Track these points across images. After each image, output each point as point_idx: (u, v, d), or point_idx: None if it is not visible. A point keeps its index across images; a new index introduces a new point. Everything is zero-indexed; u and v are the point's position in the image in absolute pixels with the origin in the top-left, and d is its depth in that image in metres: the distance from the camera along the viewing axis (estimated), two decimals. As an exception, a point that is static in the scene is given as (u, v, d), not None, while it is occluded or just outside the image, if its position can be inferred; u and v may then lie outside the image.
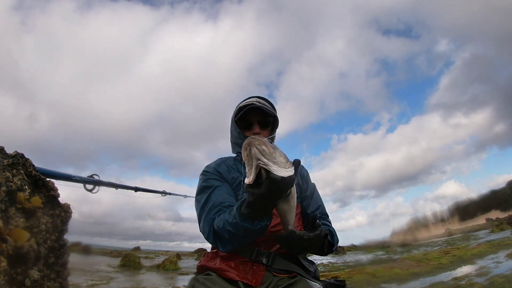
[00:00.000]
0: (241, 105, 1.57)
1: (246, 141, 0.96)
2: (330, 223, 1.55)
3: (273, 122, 1.61)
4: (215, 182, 1.43)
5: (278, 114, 1.62)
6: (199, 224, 1.38)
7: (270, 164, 0.94)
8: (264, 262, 1.26)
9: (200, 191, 1.44)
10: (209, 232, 1.29)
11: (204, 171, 1.54)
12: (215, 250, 1.39)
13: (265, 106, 1.54)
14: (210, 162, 1.62)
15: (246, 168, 0.98)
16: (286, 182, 0.96)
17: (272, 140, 1.53)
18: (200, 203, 1.40)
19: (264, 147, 0.94)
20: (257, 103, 1.54)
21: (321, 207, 1.59)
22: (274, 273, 1.24)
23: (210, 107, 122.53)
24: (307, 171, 1.74)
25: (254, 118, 1.55)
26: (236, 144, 1.59)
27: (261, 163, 0.94)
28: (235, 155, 1.65)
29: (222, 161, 1.57)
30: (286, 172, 0.95)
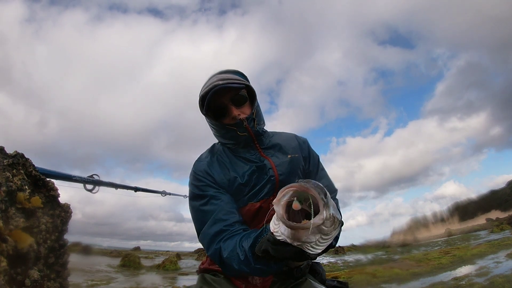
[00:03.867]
0: (202, 92, 1.29)
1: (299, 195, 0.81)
2: (337, 205, 1.35)
3: (249, 94, 1.34)
4: (209, 190, 1.25)
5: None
6: (198, 235, 1.25)
7: (312, 241, 0.81)
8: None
9: (194, 197, 1.28)
10: (213, 255, 1.14)
11: (194, 174, 1.33)
12: None
13: (230, 81, 1.26)
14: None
15: (276, 217, 0.84)
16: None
17: (256, 113, 1.33)
18: (196, 212, 1.26)
19: (323, 226, 0.79)
20: (220, 82, 1.24)
21: (328, 186, 1.38)
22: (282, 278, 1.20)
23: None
24: (305, 139, 1.52)
25: (224, 100, 1.27)
26: (221, 137, 1.37)
27: (306, 244, 0.81)
28: (223, 143, 1.40)
29: (213, 157, 1.36)
30: (325, 244, 0.83)
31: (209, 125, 1.38)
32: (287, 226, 0.78)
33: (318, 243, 0.82)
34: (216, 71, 1.35)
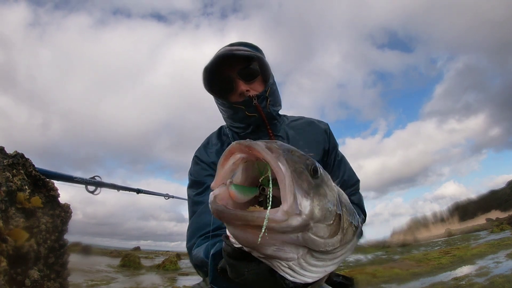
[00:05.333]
0: (206, 65, 1.07)
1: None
2: (359, 202, 1.20)
3: (261, 68, 1.12)
4: (208, 180, 1.13)
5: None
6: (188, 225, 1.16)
7: (290, 257, 0.43)
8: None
9: (192, 184, 1.18)
10: (188, 250, 1.04)
11: (196, 158, 1.21)
12: None
13: (240, 51, 1.05)
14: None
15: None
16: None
17: (271, 92, 1.09)
18: (189, 200, 1.18)
19: (310, 231, 0.42)
20: (225, 51, 1.04)
21: (346, 180, 1.23)
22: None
23: (215, 114, 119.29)
24: (327, 126, 1.28)
25: (231, 73, 1.07)
26: (228, 118, 1.18)
27: (279, 262, 0.45)
28: (232, 127, 1.23)
29: (222, 146, 1.20)
30: (321, 269, 0.46)
31: (216, 105, 1.19)
32: (216, 215, 0.40)
33: (305, 263, 0.44)
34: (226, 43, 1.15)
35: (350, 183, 1.22)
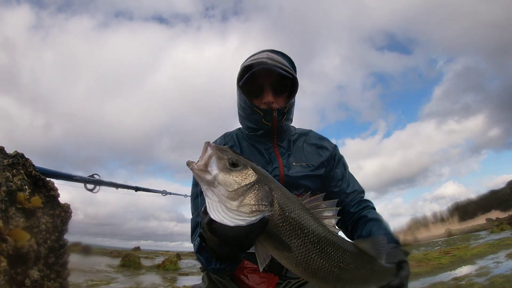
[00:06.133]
0: (247, 63, 1.19)
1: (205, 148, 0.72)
2: (372, 210, 1.25)
3: (291, 85, 1.23)
4: None
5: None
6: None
7: (206, 192, 0.68)
8: (278, 272, 1.17)
9: (192, 196, 1.28)
10: (193, 246, 1.13)
11: None
12: None
13: (280, 65, 1.15)
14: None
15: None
16: (224, 231, 0.67)
17: (289, 108, 1.24)
18: (192, 197, 1.27)
19: (199, 168, 0.68)
20: (269, 61, 1.14)
21: (356, 191, 1.31)
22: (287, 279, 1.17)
23: (217, 116, 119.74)
24: (335, 146, 1.38)
25: (265, 82, 1.18)
26: (244, 115, 1.28)
27: (207, 194, 0.69)
28: (239, 128, 1.38)
29: (225, 142, 1.32)
30: (224, 217, 0.66)
31: (238, 100, 1.27)
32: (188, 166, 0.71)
33: (221, 208, 0.66)
34: (267, 48, 1.25)
35: (358, 193, 1.31)
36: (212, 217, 0.67)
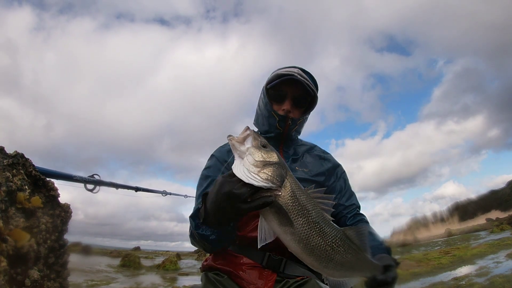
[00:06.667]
0: (278, 72, 1.34)
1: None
2: (366, 224, 1.36)
3: (310, 102, 1.39)
4: (217, 174, 1.30)
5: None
6: None
7: (236, 156, 0.86)
8: (276, 269, 1.20)
9: (201, 177, 1.37)
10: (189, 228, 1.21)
11: (213, 155, 1.42)
12: (222, 251, 1.32)
13: (306, 82, 1.31)
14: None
15: None
16: (237, 184, 0.82)
17: (302, 122, 1.40)
18: (197, 191, 1.36)
19: (239, 139, 0.87)
20: (298, 76, 1.30)
21: (354, 205, 1.40)
22: (286, 278, 1.19)
23: (217, 117, 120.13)
24: (339, 164, 1.48)
25: (289, 92, 1.33)
26: (261, 116, 1.41)
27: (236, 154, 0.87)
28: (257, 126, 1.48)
29: (227, 144, 1.40)
30: (244, 173, 0.81)
31: (260, 100, 1.42)
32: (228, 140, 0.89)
33: (246, 170, 0.81)
34: (299, 66, 1.41)
35: (354, 207, 1.40)
36: (234, 171, 0.83)
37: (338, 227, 0.91)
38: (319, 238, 0.84)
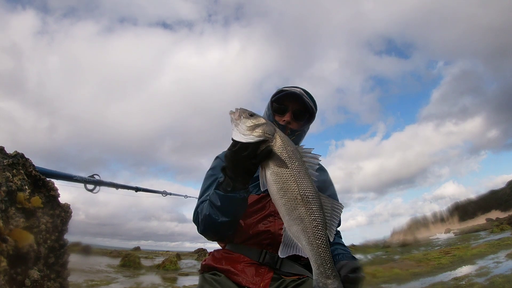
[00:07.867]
0: (283, 88, 1.54)
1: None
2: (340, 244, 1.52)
3: (308, 118, 1.57)
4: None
5: None
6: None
7: (233, 127, 1.08)
8: (272, 266, 1.23)
9: (206, 177, 1.49)
10: (195, 210, 1.35)
11: (217, 156, 1.55)
12: (220, 250, 1.38)
13: (307, 99, 1.50)
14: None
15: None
16: (240, 147, 1.03)
17: (300, 135, 1.57)
18: (201, 189, 1.46)
19: (233, 114, 1.09)
20: (299, 93, 1.50)
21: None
22: (283, 276, 1.22)
23: (218, 119, 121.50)
24: (325, 169, 1.66)
25: (290, 106, 1.51)
26: None
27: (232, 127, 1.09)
28: None
29: None
30: (241, 137, 1.03)
31: (265, 111, 1.61)
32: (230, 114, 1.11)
33: (239, 132, 1.04)
34: (303, 88, 1.58)
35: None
36: (233, 137, 1.04)
37: (316, 187, 1.02)
38: (294, 185, 0.98)
